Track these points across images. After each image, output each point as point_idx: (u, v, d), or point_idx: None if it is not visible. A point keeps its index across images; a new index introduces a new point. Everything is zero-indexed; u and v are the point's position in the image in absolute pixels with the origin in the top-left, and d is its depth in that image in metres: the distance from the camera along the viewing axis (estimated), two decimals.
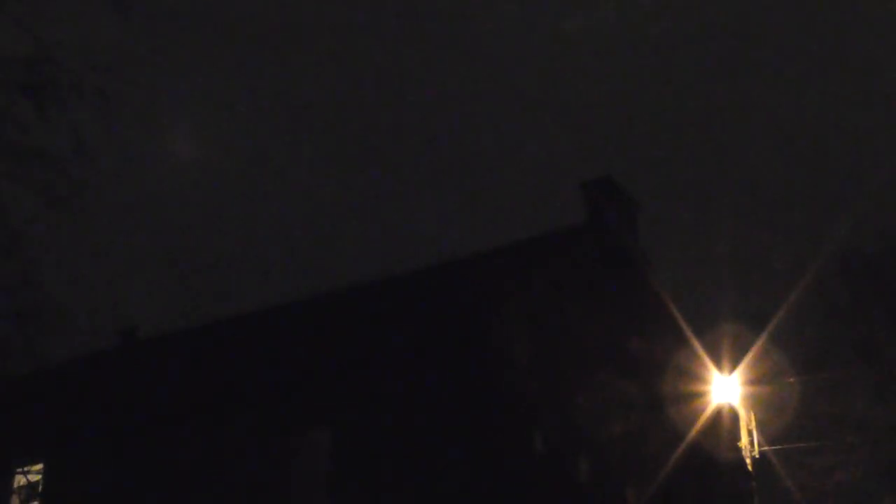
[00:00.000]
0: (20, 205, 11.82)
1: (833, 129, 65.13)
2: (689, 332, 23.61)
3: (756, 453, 27.22)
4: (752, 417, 27.50)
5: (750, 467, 26.88)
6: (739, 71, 76.03)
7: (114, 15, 10.77)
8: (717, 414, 24.95)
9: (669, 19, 77.24)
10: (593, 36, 76.60)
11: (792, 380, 28.79)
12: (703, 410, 24.00)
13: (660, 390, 22.33)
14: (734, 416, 26.69)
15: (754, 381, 26.95)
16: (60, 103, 10.94)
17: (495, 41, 79.90)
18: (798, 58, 72.54)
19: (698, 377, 24.11)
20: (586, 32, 76.18)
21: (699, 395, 24.13)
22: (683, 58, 73.55)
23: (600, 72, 74.71)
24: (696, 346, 23.92)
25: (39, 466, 22.12)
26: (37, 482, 21.95)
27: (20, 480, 22.18)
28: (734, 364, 25.39)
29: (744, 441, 26.96)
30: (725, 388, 25.02)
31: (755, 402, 28.03)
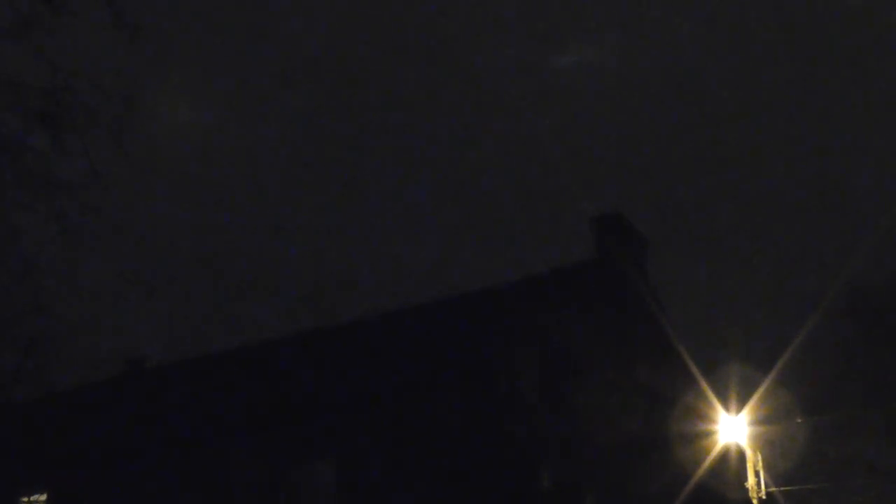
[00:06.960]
0: (32, 232, 11.80)
1: (841, 165, 65.23)
2: (696, 371, 23.52)
3: (763, 494, 27.03)
4: (760, 458, 27.33)
5: None
6: (742, 104, 76.21)
7: (121, 36, 10.72)
8: (725, 453, 24.79)
9: (660, 52, 77.73)
10: (589, 70, 77.09)
11: (800, 420, 28.65)
12: (710, 450, 23.86)
13: (667, 429, 22.22)
14: (741, 456, 26.52)
15: (762, 420, 26.82)
16: (76, 132, 10.94)
17: (495, 76, 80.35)
18: (802, 88, 72.77)
19: (706, 416, 24.00)
20: (582, 67, 76.67)
21: (706, 435, 24.01)
22: (682, 90, 73.77)
23: (600, 106, 75.08)
24: (704, 384, 23.82)
25: (44, 496, 22.03)
26: None
27: None
28: (742, 403, 25.28)
29: (751, 481, 26.77)
30: (733, 428, 24.89)
31: (762, 443, 27.89)
